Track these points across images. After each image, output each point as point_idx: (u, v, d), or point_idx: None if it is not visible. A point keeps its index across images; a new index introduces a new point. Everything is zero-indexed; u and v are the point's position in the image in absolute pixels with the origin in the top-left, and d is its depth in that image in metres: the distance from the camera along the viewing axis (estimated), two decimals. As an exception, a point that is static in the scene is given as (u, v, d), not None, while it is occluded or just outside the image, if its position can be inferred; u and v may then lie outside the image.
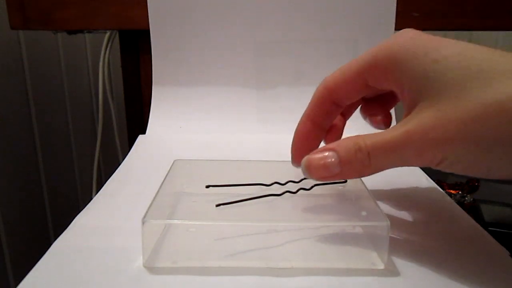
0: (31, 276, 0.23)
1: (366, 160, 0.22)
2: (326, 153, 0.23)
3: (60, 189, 0.84)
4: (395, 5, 0.48)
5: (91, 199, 0.32)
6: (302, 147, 0.28)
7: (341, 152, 0.23)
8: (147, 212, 0.23)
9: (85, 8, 0.50)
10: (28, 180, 0.75)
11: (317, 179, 0.24)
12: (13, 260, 0.68)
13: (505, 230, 0.66)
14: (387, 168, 0.23)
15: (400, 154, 0.22)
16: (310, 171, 0.24)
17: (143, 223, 0.22)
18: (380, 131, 0.23)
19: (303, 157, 0.25)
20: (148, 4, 0.49)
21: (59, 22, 0.50)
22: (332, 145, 0.23)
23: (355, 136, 0.23)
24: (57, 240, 0.26)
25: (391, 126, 0.28)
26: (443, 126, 0.20)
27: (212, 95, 0.49)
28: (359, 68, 0.25)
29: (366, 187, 0.28)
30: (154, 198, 0.25)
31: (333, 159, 0.23)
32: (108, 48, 0.74)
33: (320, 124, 0.28)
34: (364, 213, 0.25)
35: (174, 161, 0.32)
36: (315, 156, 0.24)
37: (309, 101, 0.29)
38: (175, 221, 0.25)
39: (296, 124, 0.31)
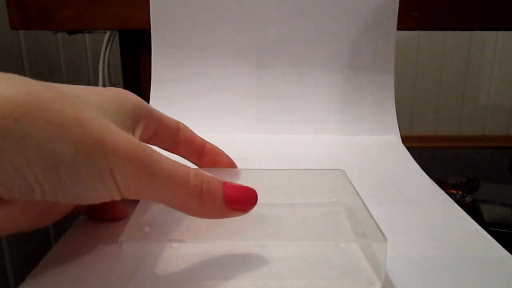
0: (31, 278, 0.23)
1: None
2: None
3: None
4: (397, 5, 0.48)
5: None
6: None
7: None
8: (124, 231, 0.21)
9: (85, 8, 0.50)
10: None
11: None
12: (13, 262, 0.68)
13: (505, 230, 0.66)
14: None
15: None
16: None
17: (120, 243, 0.20)
18: None
19: None
20: (150, 3, 0.48)
21: (59, 22, 0.50)
22: None
23: None
24: (57, 242, 0.26)
25: None
26: None
27: (211, 96, 0.49)
28: None
29: (362, 200, 0.26)
30: (133, 215, 0.23)
31: None
32: (108, 48, 0.74)
33: None
34: (360, 229, 0.23)
35: None
36: None
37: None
38: (153, 241, 0.23)
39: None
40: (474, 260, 0.25)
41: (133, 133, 0.23)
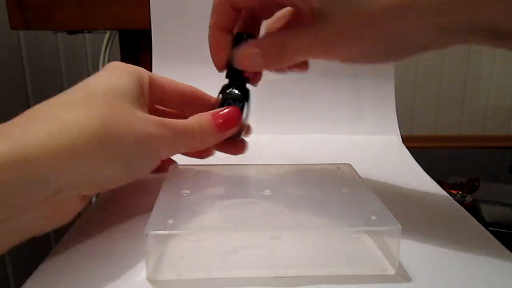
0: (30, 282, 0.23)
1: (284, 53, 0.27)
2: (252, 48, 0.28)
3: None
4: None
5: (91, 200, 0.32)
6: (221, 54, 0.31)
7: (264, 47, 0.27)
8: (149, 223, 0.22)
9: (85, 8, 0.50)
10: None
11: (245, 68, 0.29)
12: (14, 263, 0.68)
13: (505, 230, 0.66)
14: (300, 61, 0.28)
15: (312, 51, 0.26)
16: (239, 61, 0.29)
17: (146, 235, 0.22)
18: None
19: (226, 64, 0.30)
20: (150, 3, 0.48)
21: (59, 22, 0.50)
22: (258, 42, 0.28)
23: (275, 33, 0.28)
24: (58, 244, 0.26)
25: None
26: (348, 28, 0.24)
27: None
28: None
29: (371, 190, 0.27)
30: (155, 208, 0.24)
31: (257, 53, 0.28)
32: (108, 48, 0.74)
33: (229, 30, 0.30)
34: (374, 217, 0.24)
35: (170, 167, 0.31)
36: (243, 49, 0.28)
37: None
38: (179, 232, 0.24)
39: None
40: (477, 258, 0.25)
41: (146, 105, 0.29)
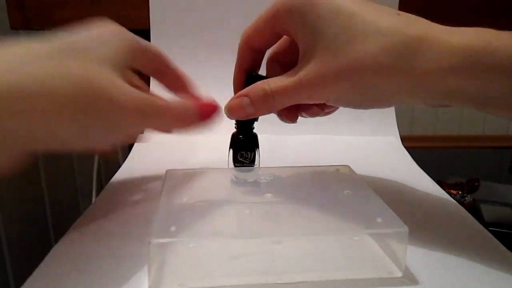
0: (30, 282, 0.23)
1: (271, 100, 0.28)
2: (242, 99, 0.29)
3: (60, 191, 0.84)
4: (397, 5, 0.48)
5: (91, 201, 0.32)
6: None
7: (252, 97, 0.29)
8: (151, 231, 0.22)
9: (85, 8, 0.50)
10: (29, 183, 0.74)
11: (237, 118, 0.31)
12: (13, 263, 0.68)
13: (505, 230, 0.66)
14: (289, 105, 0.29)
15: (295, 96, 0.28)
16: (231, 113, 0.30)
17: (148, 243, 0.21)
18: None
19: None
20: (149, 3, 0.48)
21: (59, 22, 0.50)
22: (245, 91, 0.29)
23: (261, 81, 0.29)
24: (56, 245, 0.26)
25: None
26: (324, 75, 0.26)
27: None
28: (267, 16, 0.29)
29: (375, 193, 0.27)
30: (156, 215, 0.24)
31: (247, 103, 0.29)
32: (108, 48, 0.73)
33: (250, 70, 0.32)
34: (379, 219, 0.24)
35: (166, 171, 0.31)
36: (233, 101, 0.30)
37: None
38: (181, 239, 0.23)
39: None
40: (477, 259, 0.25)
41: (130, 76, 0.28)
